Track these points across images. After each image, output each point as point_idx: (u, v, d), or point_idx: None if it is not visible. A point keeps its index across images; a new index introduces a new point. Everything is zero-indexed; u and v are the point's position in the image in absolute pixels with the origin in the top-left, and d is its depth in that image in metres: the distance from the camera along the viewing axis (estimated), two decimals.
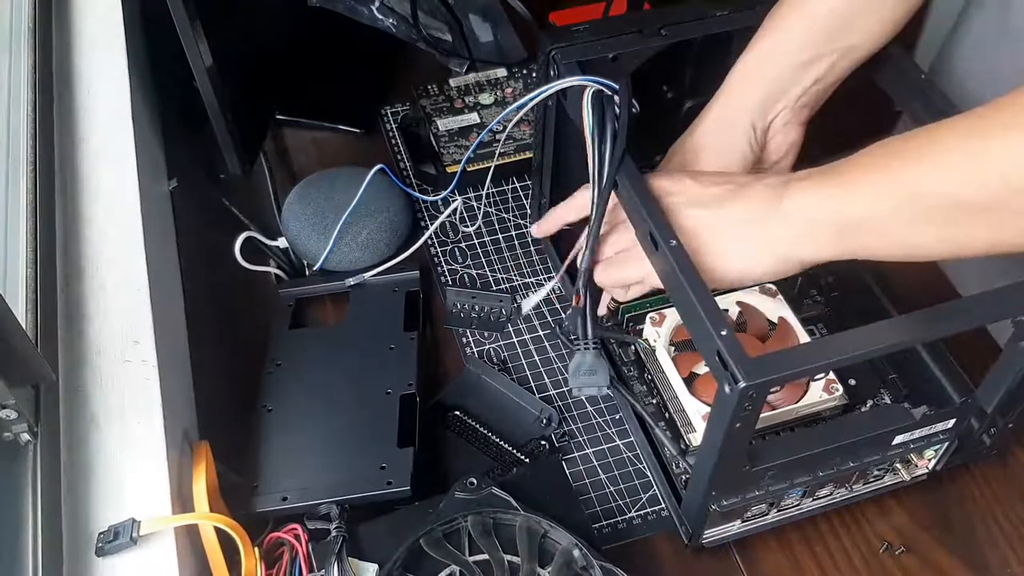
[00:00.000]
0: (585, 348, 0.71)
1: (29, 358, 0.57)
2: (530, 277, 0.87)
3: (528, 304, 0.77)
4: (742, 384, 0.53)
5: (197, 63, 0.74)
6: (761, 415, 0.58)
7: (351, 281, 0.84)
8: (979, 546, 0.71)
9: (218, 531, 0.60)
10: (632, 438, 0.76)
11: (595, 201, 0.66)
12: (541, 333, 0.83)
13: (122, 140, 0.78)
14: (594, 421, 0.78)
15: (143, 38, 0.91)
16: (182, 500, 0.62)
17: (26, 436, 0.56)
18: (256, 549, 0.62)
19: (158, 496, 0.59)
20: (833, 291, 0.82)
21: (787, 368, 0.55)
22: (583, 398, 0.79)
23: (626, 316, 0.79)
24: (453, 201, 0.91)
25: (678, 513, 0.70)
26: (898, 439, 0.66)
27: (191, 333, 0.79)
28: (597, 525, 0.71)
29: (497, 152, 0.94)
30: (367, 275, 0.84)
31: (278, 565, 0.62)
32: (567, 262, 0.73)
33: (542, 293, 0.76)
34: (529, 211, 0.91)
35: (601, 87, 0.66)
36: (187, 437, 0.67)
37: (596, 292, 0.73)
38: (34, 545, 0.53)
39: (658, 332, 0.75)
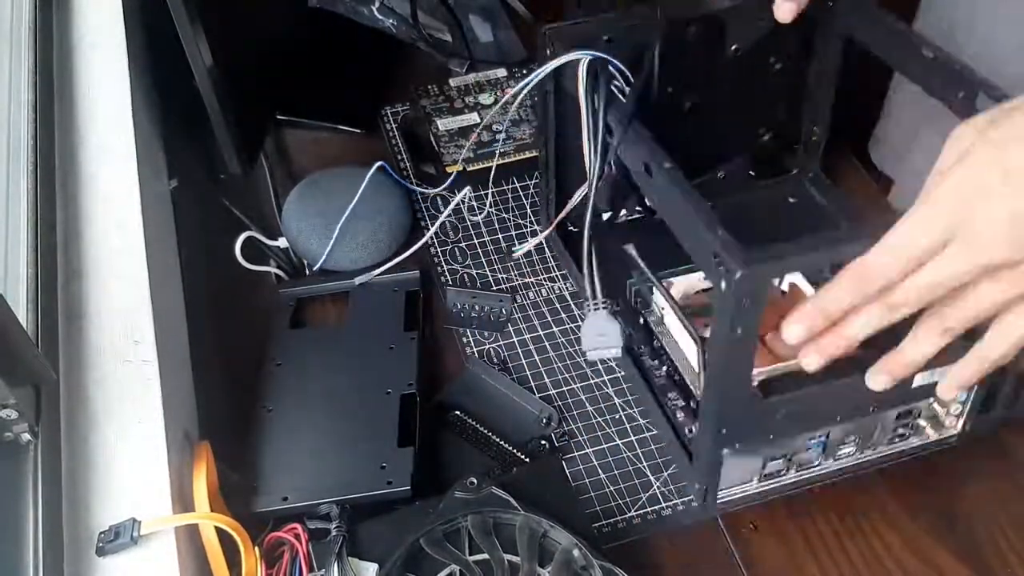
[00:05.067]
0: (595, 309, 0.70)
1: (29, 358, 0.57)
2: (530, 277, 0.87)
3: (519, 251, 0.76)
4: (738, 273, 0.51)
5: (197, 63, 0.74)
6: (770, 366, 0.56)
7: (350, 281, 0.84)
8: (980, 546, 0.71)
9: (218, 531, 0.60)
10: (632, 437, 0.76)
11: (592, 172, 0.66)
12: (541, 333, 0.83)
13: (122, 140, 0.78)
14: (594, 421, 0.78)
15: (143, 38, 0.91)
16: (182, 500, 0.61)
17: (26, 436, 0.56)
18: (256, 549, 0.61)
19: (158, 496, 0.59)
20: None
21: (785, 255, 0.54)
22: (593, 368, 0.79)
23: (633, 289, 0.78)
24: (452, 198, 0.90)
25: (691, 476, 0.68)
26: (918, 379, 0.62)
27: (191, 333, 0.79)
28: (597, 525, 0.71)
29: (497, 152, 0.94)
30: (367, 275, 0.84)
31: (278, 565, 0.62)
32: (559, 216, 0.71)
33: (535, 240, 0.74)
34: (530, 209, 0.91)
35: (595, 57, 0.67)
36: (187, 437, 0.67)
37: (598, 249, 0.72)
38: (35, 545, 0.53)
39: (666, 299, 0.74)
